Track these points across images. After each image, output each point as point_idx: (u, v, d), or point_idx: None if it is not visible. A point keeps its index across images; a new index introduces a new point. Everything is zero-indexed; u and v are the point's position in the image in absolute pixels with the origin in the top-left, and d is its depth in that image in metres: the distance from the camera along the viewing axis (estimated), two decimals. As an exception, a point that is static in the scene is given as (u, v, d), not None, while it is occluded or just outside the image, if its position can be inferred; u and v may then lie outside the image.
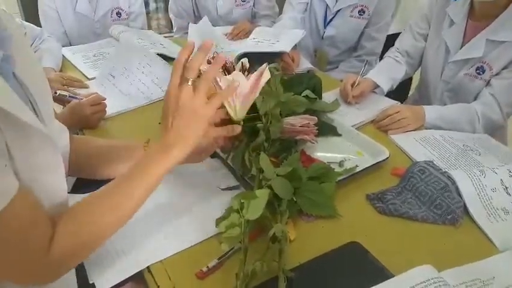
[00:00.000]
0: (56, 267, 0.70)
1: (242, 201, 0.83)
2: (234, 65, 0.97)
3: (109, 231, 0.76)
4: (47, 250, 0.66)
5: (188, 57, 0.79)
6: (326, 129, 1.28)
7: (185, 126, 0.77)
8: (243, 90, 0.87)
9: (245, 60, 1.00)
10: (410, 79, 1.98)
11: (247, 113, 0.95)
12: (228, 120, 0.92)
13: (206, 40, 0.78)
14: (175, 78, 0.78)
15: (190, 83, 0.76)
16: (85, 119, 1.32)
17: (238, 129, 0.89)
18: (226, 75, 0.93)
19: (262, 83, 0.89)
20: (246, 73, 0.94)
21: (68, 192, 1.02)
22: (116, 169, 1.00)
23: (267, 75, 0.88)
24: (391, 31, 2.16)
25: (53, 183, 0.72)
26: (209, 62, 1.39)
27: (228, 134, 0.90)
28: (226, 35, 2.25)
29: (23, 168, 0.63)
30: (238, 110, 0.90)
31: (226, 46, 2.05)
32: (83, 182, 1.43)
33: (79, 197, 1.00)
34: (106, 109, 1.38)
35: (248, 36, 1.97)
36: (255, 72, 0.88)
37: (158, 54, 1.87)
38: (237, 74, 0.86)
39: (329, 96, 1.53)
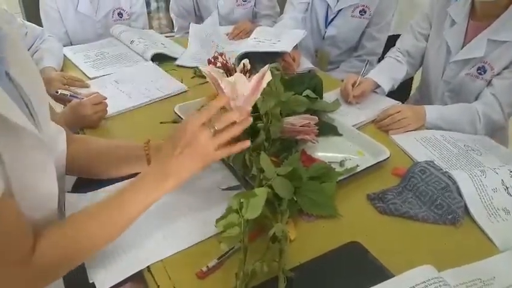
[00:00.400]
0: (38, 278, 0.70)
1: (241, 200, 0.83)
2: (235, 66, 0.96)
3: (94, 248, 0.77)
4: (27, 260, 0.66)
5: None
6: (327, 129, 1.27)
7: (191, 163, 0.79)
8: (244, 92, 0.87)
9: (246, 61, 1.00)
10: (411, 79, 1.97)
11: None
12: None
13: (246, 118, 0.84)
14: (204, 117, 0.80)
15: (213, 130, 0.80)
16: (85, 119, 1.32)
17: (247, 144, 0.88)
18: (227, 76, 0.93)
19: (263, 85, 0.89)
20: (248, 74, 0.93)
21: (68, 192, 1.03)
22: (116, 169, 1.01)
23: (268, 77, 0.88)
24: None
25: (44, 186, 0.72)
26: (209, 62, 1.40)
27: (238, 152, 0.90)
28: (227, 34, 2.25)
29: (14, 173, 0.63)
30: (239, 110, 0.89)
31: (227, 46, 2.05)
32: (83, 182, 1.43)
33: (78, 197, 1.02)
34: (107, 109, 1.38)
35: (249, 36, 1.97)
36: (256, 74, 0.87)
37: (159, 53, 1.88)
38: (238, 76, 0.86)
39: (329, 96, 1.53)
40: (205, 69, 0.90)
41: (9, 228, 0.63)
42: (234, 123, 0.84)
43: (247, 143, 0.88)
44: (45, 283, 0.72)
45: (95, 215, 0.75)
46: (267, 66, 0.90)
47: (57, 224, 0.74)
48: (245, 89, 0.87)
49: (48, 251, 0.68)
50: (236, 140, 0.95)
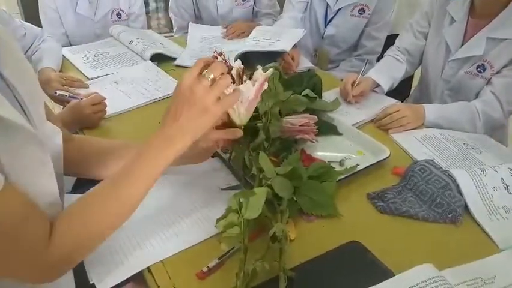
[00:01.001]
0: (56, 265, 0.70)
1: (240, 200, 0.82)
2: (232, 66, 0.95)
3: (110, 228, 0.75)
4: (44, 247, 0.66)
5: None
6: (326, 128, 1.27)
7: (193, 119, 0.75)
8: (249, 97, 0.86)
9: (238, 63, 0.96)
10: (411, 78, 1.97)
11: None
12: (229, 124, 0.91)
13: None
14: (195, 70, 0.77)
15: (209, 79, 0.76)
16: (85, 119, 1.32)
17: (239, 133, 0.88)
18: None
19: (263, 87, 0.88)
20: (244, 77, 0.92)
21: (68, 192, 1.03)
22: (116, 168, 1.00)
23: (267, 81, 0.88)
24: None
25: (42, 183, 0.71)
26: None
27: (229, 137, 0.89)
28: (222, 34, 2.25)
29: (10, 170, 0.63)
30: (242, 115, 0.89)
31: (226, 46, 2.05)
32: (83, 183, 1.43)
33: (77, 197, 1.01)
34: (106, 109, 1.38)
35: (244, 35, 1.97)
36: (260, 79, 0.86)
37: (158, 54, 1.87)
38: (247, 84, 0.85)
39: (329, 95, 1.53)
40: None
41: (19, 216, 0.63)
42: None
43: (240, 133, 0.88)
44: (65, 269, 0.72)
45: (105, 193, 0.74)
46: (270, 70, 0.90)
47: (69, 207, 0.73)
48: (250, 94, 0.86)
49: (63, 237, 0.68)
50: (234, 141, 0.95)
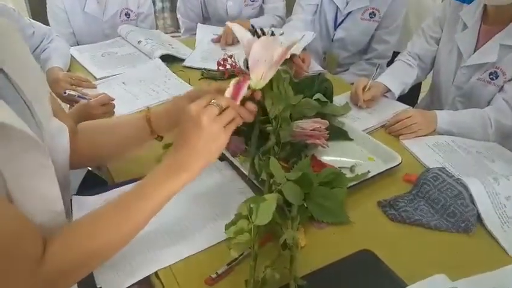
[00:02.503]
0: (48, 285, 0.67)
1: (251, 206, 0.81)
2: (242, 69, 0.94)
3: (107, 252, 0.74)
4: (36, 266, 0.63)
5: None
6: (337, 134, 1.26)
7: (203, 148, 0.75)
8: (275, 55, 0.82)
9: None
10: (420, 83, 1.95)
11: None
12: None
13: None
14: (204, 100, 0.76)
15: (218, 108, 0.76)
16: (93, 119, 1.31)
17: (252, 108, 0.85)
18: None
19: (286, 54, 0.84)
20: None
21: (74, 194, 1.02)
22: (124, 146, 1.00)
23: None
24: None
25: (42, 187, 0.69)
26: (218, 65, 1.39)
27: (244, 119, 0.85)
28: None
29: (11, 176, 0.61)
30: (262, 77, 0.85)
31: (235, 47, 2.03)
32: (89, 185, 1.43)
33: (84, 199, 1.01)
34: (114, 110, 1.37)
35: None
36: (288, 42, 0.83)
37: (166, 54, 1.86)
38: (275, 38, 0.83)
39: (339, 99, 1.51)
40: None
41: (14, 231, 0.61)
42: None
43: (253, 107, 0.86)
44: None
45: (109, 215, 0.73)
46: (297, 38, 0.86)
47: (66, 227, 0.72)
48: (276, 54, 0.82)
49: (58, 255, 0.66)
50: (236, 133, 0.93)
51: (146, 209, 0.74)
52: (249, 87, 0.85)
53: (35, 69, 0.78)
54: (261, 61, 0.81)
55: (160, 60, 1.83)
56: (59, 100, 1.45)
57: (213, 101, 0.76)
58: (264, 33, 0.84)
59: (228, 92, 0.81)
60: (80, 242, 0.69)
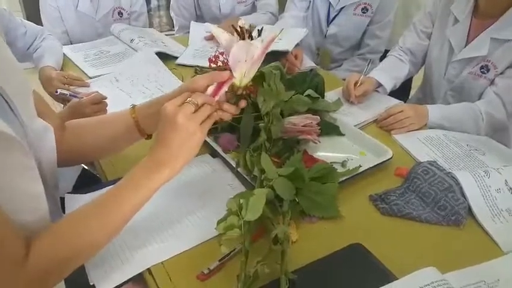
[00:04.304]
0: (34, 283, 0.67)
1: (240, 201, 0.82)
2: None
3: (92, 249, 0.74)
4: (18, 268, 0.64)
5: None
6: (329, 129, 1.26)
7: (180, 146, 0.76)
8: (255, 54, 0.83)
9: (241, 21, 0.92)
10: (411, 78, 1.96)
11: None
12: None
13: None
14: (179, 99, 0.78)
15: (193, 106, 0.76)
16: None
17: (232, 110, 0.86)
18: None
19: (267, 49, 0.85)
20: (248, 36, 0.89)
21: (68, 193, 1.02)
22: (112, 143, 1.00)
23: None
24: None
25: (27, 187, 0.69)
26: (210, 61, 1.39)
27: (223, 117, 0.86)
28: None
29: None
30: (245, 75, 0.86)
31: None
32: (83, 183, 1.43)
33: (77, 197, 1.01)
34: (107, 108, 1.37)
35: None
36: (267, 38, 0.84)
37: (159, 52, 1.86)
38: (258, 41, 0.83)
39: (331, 95, 1.52)
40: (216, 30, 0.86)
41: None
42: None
43: (234, 109, 0.86)
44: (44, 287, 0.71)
45: (90, 215, 0.73)
46: (276, 31, 0.86)
47: (51, 225, 0.72)
48: (256, 52, 0.83)
49: (43, 253, 0.67)
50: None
51: (125, 209, 0.75)
52: (235, 86, 0.86)
53: (16, 70, 0.77)
54: (242, 61, 0.82)
55: (152, 52, 1.83)
56: (48, 97, 1.46)
57: (188, 99, 0.77)
58: (249, 32, 0.84)
59: (210, 90, 0.82)
60: (62, 243, 0.70)
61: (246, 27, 0.85)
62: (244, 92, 0.89)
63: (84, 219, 0.73)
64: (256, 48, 0.82)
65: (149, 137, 1.00)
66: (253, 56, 0.82)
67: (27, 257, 0.65)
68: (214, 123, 0.83)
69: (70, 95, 1.44)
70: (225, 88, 0.83)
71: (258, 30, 0.85)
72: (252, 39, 0.83)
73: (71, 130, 0.97)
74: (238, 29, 0.83)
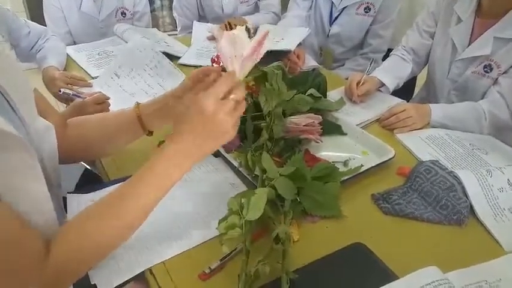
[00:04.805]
0: (55, 282, 0.67)
1: (241, 201, 0.82)
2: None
3: (113, 243, 0.74)
4: (41, 264, 0.64)
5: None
6: (331, 128, 1.26)
7: (213, 141, 0.77)
8: (244, 52, 0.81)
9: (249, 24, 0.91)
10: (415, 77, 1.96)
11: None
12: None
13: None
14: (220, 93, 0.75)
15: (233, 103, 0.76)
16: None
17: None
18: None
19: (263, 49, 0.82)
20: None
21: (69, 193, 1.03)
22: (114, 140, 1.02)
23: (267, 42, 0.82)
24: None
25: (30, 187, 0.68)
26: (213, 61, 1.39)
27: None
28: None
29: None
30: (237, 72, 0.84)
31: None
32: (86, 182, 1.44)
33: (80, 197, 1.01)
34: (110, 108, 1.38)
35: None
36: (256, 36, 0.81)
37: (162, 52, 1.87)
38: (240, 30, 0.80)
39: (333, 94, 1.52)
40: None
41: (12, 232, 0.61)
42: None
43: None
44: (65, 283, 0.70)
45: (110, 208, 0.73)
46: (266, 28, 0.85)
47: (70, 222, 0.72)
48: (245, 49, 0.81)
49: (65, 251, 0.67)
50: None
51: (144, 201, 0.74)
52: None
53: (17, 70, 0.78)
54: (232, 57, 0.81)
55: (145, 39, 1.84)
56: (52, 98, 1.47)
57: (232, 96, 0.76)
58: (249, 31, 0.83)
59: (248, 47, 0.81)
60: (82, 239, 0.69)
61: (250, 27, 0.84)
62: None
63: (105, 208, 0.73)
64: (244, 43, 0.80)
65: (150, 133, 1.01)
66: (243, 51, 0.81)
67: (48, 256, 0.65)
68: None
69: (73, 94, 1.44)
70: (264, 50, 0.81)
71: (248, 28, 0.84)
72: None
73: (73, 127, 0.98)
74: (232, 26, 0.83)
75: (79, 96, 1.42)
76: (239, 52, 0.80)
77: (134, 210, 0.74)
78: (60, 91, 1.46)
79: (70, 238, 0.69)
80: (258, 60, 0.84)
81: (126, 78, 1.65)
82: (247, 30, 0.83)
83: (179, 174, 0.76)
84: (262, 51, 0.83)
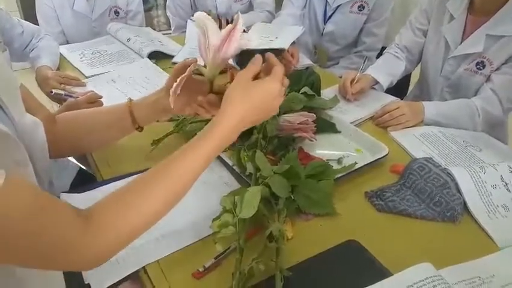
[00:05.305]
0: (102, 251, 0.65)
1: (235, 199, 0.82)
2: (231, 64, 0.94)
3: (162, 208, 0.74)
4: (80, 232, 0.61)
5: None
6: (325, 126, 1.26)
7: (262, 119, 0.85)
8: (215, 42, 0.82)
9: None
10: (409, 75, 1.96)
11: None
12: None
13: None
14: (281, 79, 0.84)
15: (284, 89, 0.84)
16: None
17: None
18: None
19: (236, 38, 0.82)
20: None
21: (63, 192, 1.02)
22: (105, 134, 1.02)
23: (240, 28, 0.83)
24: None
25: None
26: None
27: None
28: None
29: None
30: (210, 64, 0.86)
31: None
32: (81, 181, 1.43)
33: (73, 196, 1.01)
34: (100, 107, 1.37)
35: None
36: (227, 26, 0.81)
37: (156, 51, 1.87)
38: (206, 17, 0.83)
39: (327, 92, 1.52)
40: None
41: (35, 207, 0.57)
42: None
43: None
44: (112, 252, 0.67)
45: (161, 170, 0.73)
46: (238, 15, 0.84)
47: (112, 194, 0.70)
48: (215, 39, 0.82)
49: (107, 223, 0.65)
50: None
51: (198, 159, 0.76)
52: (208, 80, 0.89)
53: (3, 66, 0.77)
54: (203, 44, 0.83)
55: (148, 59, 1.83)
56: (45, 97, 1.46)
57: (285, 81, 0.86)
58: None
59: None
60: (129, 209, 0.69)
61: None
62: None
63: (154, 173, 0.73)
64: (215, 33, 0.81)
65: (140, 128, 1.02)
66: (215, 41, 0.82)
67: (90, 231, 0.63)
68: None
69: (65, 94, 1.44)
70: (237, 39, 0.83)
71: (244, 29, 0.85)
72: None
73: (63, 123, 0.98)
74: (223, 21, 0.84)
75: (71, 96, 1.41)
76: (211, 45, 0.82)
77: (184, 172, 0.75)
78: (52, 92, 1.45)
79: (109, 212, 0.67)
80: (229, 57, 0.85)
81: (122, 83, 1.65)
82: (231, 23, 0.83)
83: (226, 143, 0.79)
84: (232, 47, 0.83)
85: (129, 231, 0.68)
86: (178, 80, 0.83)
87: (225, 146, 0.79)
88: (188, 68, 0.85)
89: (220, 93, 0.89)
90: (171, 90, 0.83)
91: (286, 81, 0.86)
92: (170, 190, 0.73)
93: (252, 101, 0.79)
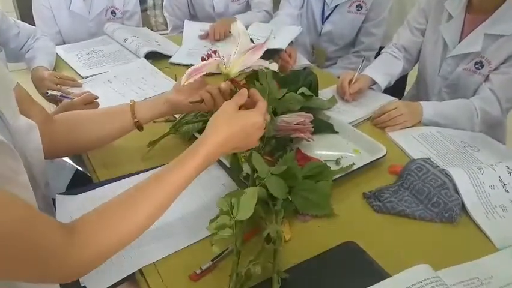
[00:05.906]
0: (83, 265, 0.66)
1: (231, 201, 0.81)
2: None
3: (145, 223, 0.75)
4: (65, 247, 0.61)
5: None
6: (322, 127, 1.26)
7: (243, 146, 0.87)
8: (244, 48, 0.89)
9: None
10: (406, 75, 1.96)
11: None
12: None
13: None
14: (264, 112, 0.86)
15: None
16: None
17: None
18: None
19: (259, 53, 0.90)
20: None
21: (59, 193, 1.02)
22: (101, 134, 1.03)
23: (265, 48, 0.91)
24: None
25: (16, 194, 0.63)
26: (203, 60, 1.38)
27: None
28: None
29: None
30: (232, 62, 0.90)
31: (221, 43, 2.03)
32: (77, 183, 1.42)
33: (69, 198, 1.00)
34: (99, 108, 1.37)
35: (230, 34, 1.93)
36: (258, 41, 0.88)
37: (153, 52, 1.86)
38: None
39: (325, 92, 1.51)
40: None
41: (24, 221, 0.57)
42: None
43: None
44: (92, 266, 0.68)
45: (148, 185, 0.76)
46: (258, 26, 0.91)
47: (95, 210, 0.70)
48: (246, 46, 0.89)
49: (88, 240, 0.65)
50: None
51: (180, 178, 0.78)
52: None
53: None
54: (229, 43, 0.87)
55: (145, 60, 1.82)
56: (41, 98, 1.45)
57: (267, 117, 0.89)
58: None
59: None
60: (108, 227, 0.69)
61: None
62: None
63: (140, 191, 0.75)
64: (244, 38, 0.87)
65: (141, 128, 1.04)
66: (241, 45, 0.88)
67: (72, 243, 0.63)
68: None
69: (60, 96, 1.42)
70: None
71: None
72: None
73: (62, 123, 0.98)
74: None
75: (67, 97, 1.40)
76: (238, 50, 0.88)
77: (169, 187, 0.77)
78: (47, 93, 1.44)
79: (89, 228, 0.67)
80: (247, 64, 0.90)
81: (118, 83, 1.64)
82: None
83: (216, 157, 0.84)
84: (254, 56, 0.89)
85: (112, 245, 0.69)
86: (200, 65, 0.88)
87: (207, 166, 0.81)
88: (214, 59, 0.89)
89: (234, 82, 0.94)
90: (188, 71, 0.87)
91: (268, 117, 0.90)
92: (154, 205, 0.75)
93: (235, 128, 0.82)
